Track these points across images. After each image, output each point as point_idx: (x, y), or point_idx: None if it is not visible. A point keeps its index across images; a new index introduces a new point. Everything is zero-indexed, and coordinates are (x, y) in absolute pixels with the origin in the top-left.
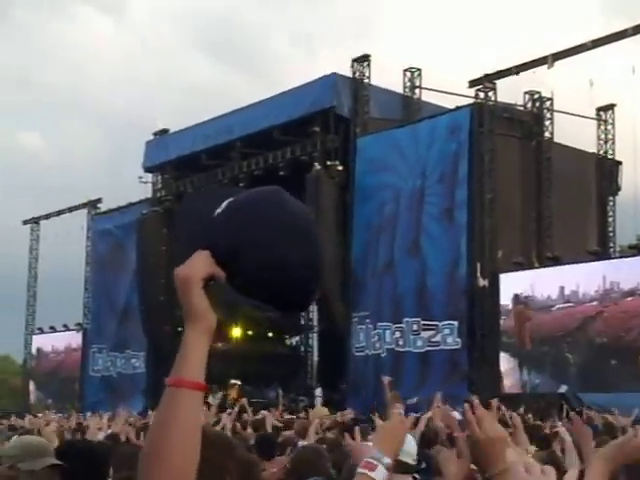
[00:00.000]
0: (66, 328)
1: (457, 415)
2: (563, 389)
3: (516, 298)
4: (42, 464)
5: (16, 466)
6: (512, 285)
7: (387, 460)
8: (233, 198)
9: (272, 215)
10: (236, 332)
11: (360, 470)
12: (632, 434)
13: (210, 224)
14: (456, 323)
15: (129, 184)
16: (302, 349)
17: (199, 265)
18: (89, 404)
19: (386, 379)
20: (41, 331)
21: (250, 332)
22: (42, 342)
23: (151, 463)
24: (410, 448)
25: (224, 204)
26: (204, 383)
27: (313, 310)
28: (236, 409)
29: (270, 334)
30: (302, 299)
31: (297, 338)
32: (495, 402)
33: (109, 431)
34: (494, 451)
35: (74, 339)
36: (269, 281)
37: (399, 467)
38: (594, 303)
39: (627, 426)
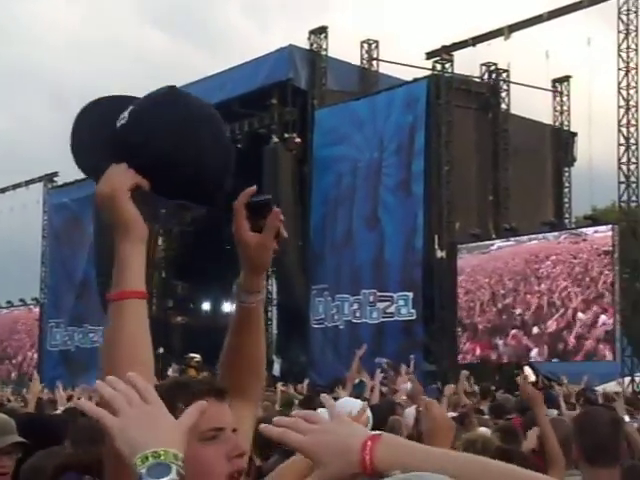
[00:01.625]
0: (23, 303)
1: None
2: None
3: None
4: (3, 442)
5: None
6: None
7: None
8: (134, 106)
9: (173, 112)
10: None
11: None
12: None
13: (119, 135)
14: (411, 294)
15: None
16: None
17: (122, 177)
18: (47, 378)
19: (361, 351)
20: None
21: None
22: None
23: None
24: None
25: (126, 114)
26: (144, 290)
27: (272, 283)
28: None
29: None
30: (214, 188)
31: None
32: (465, 373)
33: (69, 404)
34: (447, 436)
35: (31, 313)
36: (183, 176)
37: None
38: None
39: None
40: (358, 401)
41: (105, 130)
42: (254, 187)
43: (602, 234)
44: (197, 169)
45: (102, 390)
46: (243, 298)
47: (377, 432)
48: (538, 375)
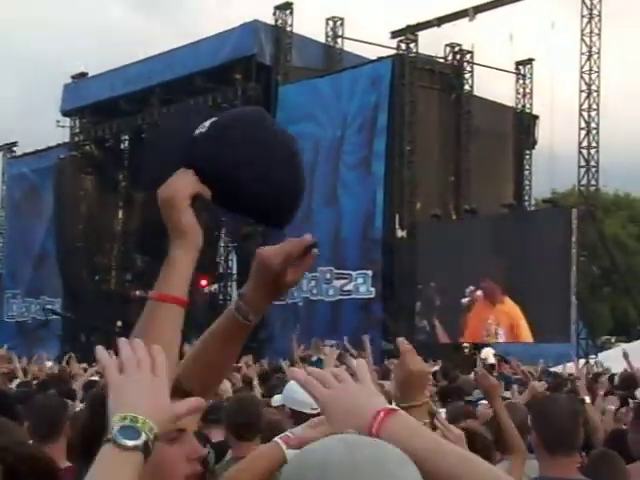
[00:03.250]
0: None
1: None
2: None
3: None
4: None
5: None
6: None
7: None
8: (217, 118)
9: (257, 134)
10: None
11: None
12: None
13: (192, 143)
14: (370, 272)
15: (46, 128)
16: (220, 297)
17: (185, 183)
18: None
19: (295, 333)
20: None
21: None
22: None
23: None
24: (306, 398)
25: (207, 124)
26: (185, 299)
27: (232, 258)
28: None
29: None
30: (284, 214)
31: (215, 286)
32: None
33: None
34: (420, 383)
35: None
36: (254, 195)
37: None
38: None
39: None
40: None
41: (181, 138)
42: (314, 240)
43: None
44: (263, 190)
45: (122, 345)
46: (244, 314)
47: (394, 407)
48: (501, 357)
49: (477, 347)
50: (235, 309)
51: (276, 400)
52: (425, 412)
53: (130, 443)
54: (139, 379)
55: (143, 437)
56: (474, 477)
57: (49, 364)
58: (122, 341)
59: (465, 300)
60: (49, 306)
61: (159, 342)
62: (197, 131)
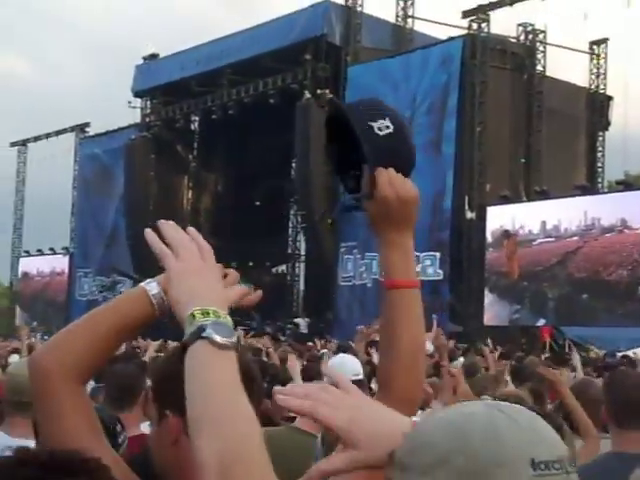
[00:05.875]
0: (53, 251)
1: (429, 345)
2: (541, 323)
3: (506, 232)
4: None
5: None
6: (497, 219)
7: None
8: (391, 115)
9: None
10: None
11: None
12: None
13: (390, 140)
14: (438, 254)
15: (118, 109)
16: (288, 278)
17: (411, 185)
18: None
19: (363, 328)
20: (28, 254)
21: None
22: (28, 265)
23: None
24: (354, 366)
25: (389, 123)
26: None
27: (300, 239)
28: None
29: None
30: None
31: (283, 267)
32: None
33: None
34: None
35: (60, 262)
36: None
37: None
38: (575, 238)
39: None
40: (355, 360)
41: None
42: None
43: None
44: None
45: (167, 231)
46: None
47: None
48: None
49: (549, 331)
50: (158, 305)
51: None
52: None
53: (228, 341)
54: (197, 267)
55: (235, 334)
56: None
57: None
58: (164, 224)
59: None
60: (116, 266)
61: (418, 325)
62: (380, 132)
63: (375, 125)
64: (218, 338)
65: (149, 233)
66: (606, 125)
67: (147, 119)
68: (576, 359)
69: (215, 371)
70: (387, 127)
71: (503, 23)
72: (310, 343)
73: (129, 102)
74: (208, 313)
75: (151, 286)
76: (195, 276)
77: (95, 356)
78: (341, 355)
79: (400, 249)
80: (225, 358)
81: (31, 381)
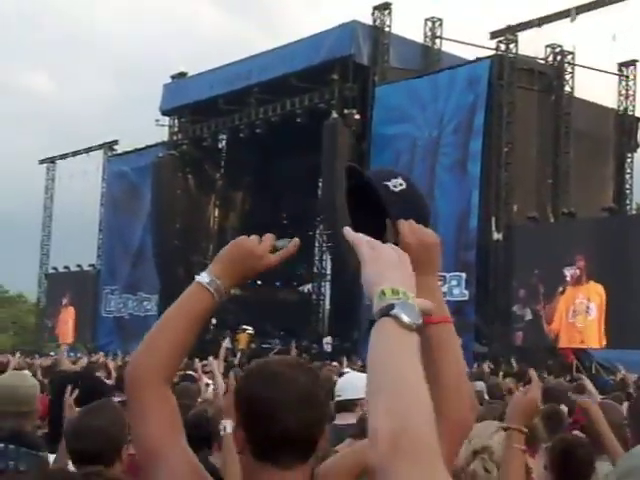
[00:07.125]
0: (80, 268)
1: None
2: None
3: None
4: None
5: None
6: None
7: None
8: (404, 176)
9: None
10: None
11: None
12: (520, 395)
13: (404, 195)
14: (464, 275)
15: (146, 127)
16: (314, 297)
17: (433, 233)
18: (101, 344)
19: None
20: (55, 270)
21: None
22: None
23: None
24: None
25: (401, 180)
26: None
27: (326, 258)
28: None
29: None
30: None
31: (309, 286)
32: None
33: None
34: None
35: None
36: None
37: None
38: None
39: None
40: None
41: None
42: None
43: None
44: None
45: (347, 234)
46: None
47: None
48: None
49: (575, 353)
50: (214, 289)
51: None
52: None
53: (413, 322)
54: (392, 257)
55: (421, 319)
56: None
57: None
58: (357, 236)
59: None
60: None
61: (456, 359)
62: (395, 188)
63: (390, 184)
64: (405, 318)
65: (346, 230)
66: (634, 147)
67: (175, 137)
68: (587, 382)
69: (395, 348)
70: (400, 184)
71: (531, 44)
72: (335, 363)
73: (157, 120)
74: (398, 292)
75: (202, 276)
76: (388, 263)
77: (178, 355)
78: (351, 373)
79: (429, 291)
80: (408, 337)
81: (128, 390)
